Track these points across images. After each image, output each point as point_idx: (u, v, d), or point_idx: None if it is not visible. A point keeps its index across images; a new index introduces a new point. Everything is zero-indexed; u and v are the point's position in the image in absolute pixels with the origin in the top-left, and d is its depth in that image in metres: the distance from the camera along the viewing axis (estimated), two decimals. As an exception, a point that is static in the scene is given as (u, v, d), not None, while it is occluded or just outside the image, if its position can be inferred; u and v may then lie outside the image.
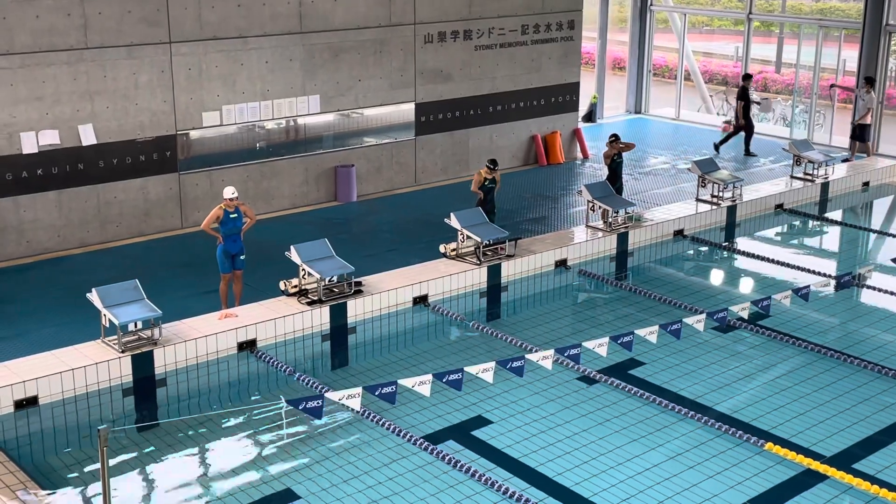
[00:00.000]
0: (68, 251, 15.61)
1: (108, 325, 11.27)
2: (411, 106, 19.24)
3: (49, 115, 15.18)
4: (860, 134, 20.92)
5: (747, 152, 21.81)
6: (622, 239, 15.53)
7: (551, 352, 10.55)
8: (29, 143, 15.05)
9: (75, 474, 9.61)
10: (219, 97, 16.77)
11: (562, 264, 14.84)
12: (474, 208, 14.82)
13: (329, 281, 12.76)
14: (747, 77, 22.16)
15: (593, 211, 15.75)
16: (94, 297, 11.36)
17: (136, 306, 11.33)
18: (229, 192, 12.59)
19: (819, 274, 14.56)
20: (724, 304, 12.87)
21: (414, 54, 18.98)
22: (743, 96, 21.79)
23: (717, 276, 15.59)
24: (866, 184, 19.47)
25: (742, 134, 22.02)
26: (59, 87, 15.19)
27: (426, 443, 9.90)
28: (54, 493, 9.18)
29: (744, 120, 21.82)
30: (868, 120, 20.83)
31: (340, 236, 15.80)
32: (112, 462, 9.51)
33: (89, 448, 10.00)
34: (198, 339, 11.57)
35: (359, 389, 9.45)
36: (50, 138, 15.23)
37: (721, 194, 17.17)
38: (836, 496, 9.19)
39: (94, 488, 9.23)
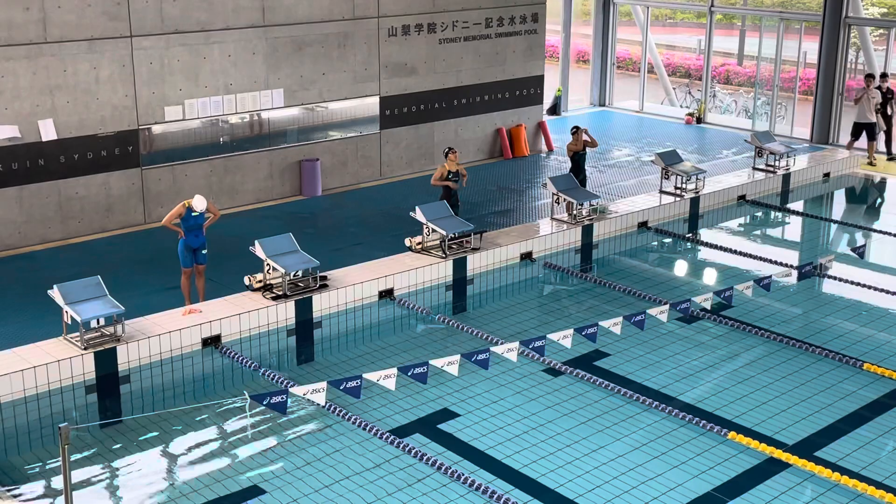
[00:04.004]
0: (29, 247, 15.44)
1: (69, 322, 11.17)
2: (376, 100, 19.20)
3: (8, 111, 14.99)
4: (868, 131, 20.58)
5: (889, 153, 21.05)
6: (587, 231, 15.60)
7: (516, 344, 10.59)
8: (-12, 139, 14.88)
9: (37, 472, 9.52)
10: (181, 91, 16.64)
11: (527, 257, 14.88)
12: (439, 202, 14.82)
13: (294, 275, 12.72)
14: (869, 77, 20.86)
15: (558, 203, 15.80)
16: (55, 293, 11.25)
17: (98, 303, 11.22)
18: (201, 206, 12.39)
19: (781, 264, 14.71)
20: (687, 295, 12.97)
21: (378, 48, 18.94)
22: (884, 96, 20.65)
23: (680, 268, 15.70)
24: (827, 175, 19.68)
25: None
26: (19, 82, 15.01)
27: (392, 437, 9.90)
28: (15, 491, 9.09)
29: (882, 118, 20.64)
30: (867, 118, 20.45)
31: (305, 231, 15.75)
32: (75, 459, 9.43)
33: (52, 446, 9.91)
34: (161, 336, 11.48)
35: (323, 384, 9.43)
36: (9, 133, 15.04)
37: (684, 186, 17.29)
38: (798, 483, 9.30)
39: (57, 486, 9.15)
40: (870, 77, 20.76)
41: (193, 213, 12.45)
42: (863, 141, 20.68)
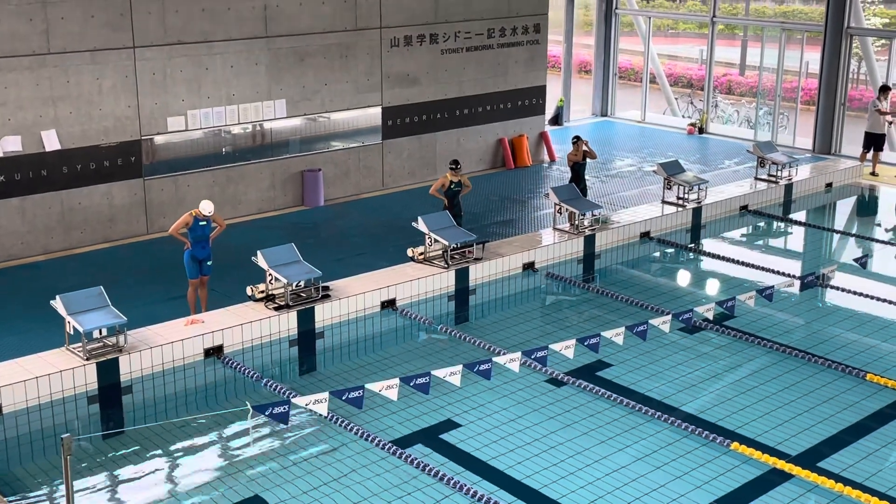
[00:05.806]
0: (32, 258, 15.45)
1: (72, 333, 11.17)
2: (378, 110, 19.23)
3: (12, 121, 15.02)
4: (877, 143, 20.44)
5: None
6: (589, 241, 15.60)
7: (518, 354, 10.58)
8: (-9, 150, 14.91)
9: (40, 483, 9.51)
10: (184, 102, 16.67)
11: (529, 267, 14.88)
12: (442, 212, 14.83)
13: (296, 286, 12.72)
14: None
15: (560, 214, 15.81)
16: (58, 304, 11.26)
17: (100, 313, 11.23)
18: (208, 209, 12.43)
19: (783, 274, 14.70)
20: (689, 306, 12.96)
21: (380, 58, 18.97)
22: None
23: (682, 278, 15.69)
24: (829, 185, 19.68)
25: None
26: (22, 93, 15.04)
27: (394, 447, 9.89)
28: (18, 502, 9.08)
29: None
30: (879, 129, 20.29)
31: (307, 241, 15.76)
32: (77, 470, 9.42)
33: (54, 457, 9.90)
34: (164, 346, 11.48)
35: (326, 394, 9.43)
36: (13, 145, 15.07)
37: (686, 196, 17.29)
38: (801, 495, 9.28)
39: (59, 497, 9.14)
40: (886, 89, 20.69)
41: (201, 223, 12.45)
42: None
